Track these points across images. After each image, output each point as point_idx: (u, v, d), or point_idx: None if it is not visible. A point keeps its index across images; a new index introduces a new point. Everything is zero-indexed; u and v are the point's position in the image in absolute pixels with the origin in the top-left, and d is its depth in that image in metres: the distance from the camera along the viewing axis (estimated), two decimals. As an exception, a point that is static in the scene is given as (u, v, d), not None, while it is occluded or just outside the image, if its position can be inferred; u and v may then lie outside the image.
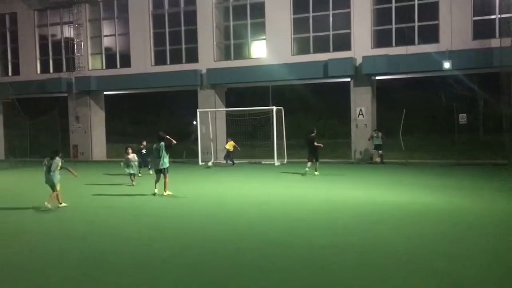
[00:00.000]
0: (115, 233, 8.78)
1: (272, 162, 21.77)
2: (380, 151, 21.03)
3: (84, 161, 26.42)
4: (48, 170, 11.23)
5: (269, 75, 23.40)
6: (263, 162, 22.58)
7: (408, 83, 25.57)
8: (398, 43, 21.90)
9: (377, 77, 22.88)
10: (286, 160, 22.54)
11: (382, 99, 23.65)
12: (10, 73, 29.80)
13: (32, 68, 28.85)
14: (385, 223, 9.08)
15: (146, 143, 18.41)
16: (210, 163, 21.53)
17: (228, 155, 21.58)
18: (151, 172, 17.16)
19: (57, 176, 11.24)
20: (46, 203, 11.07)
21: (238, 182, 16.09)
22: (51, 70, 28.60)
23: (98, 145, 28.04)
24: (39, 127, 26.30)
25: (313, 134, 17.50)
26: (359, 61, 22.01)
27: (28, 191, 14.64)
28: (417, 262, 6.51)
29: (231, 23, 25.00)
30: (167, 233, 8.68)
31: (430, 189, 13.12)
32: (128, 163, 15.14)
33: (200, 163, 22.75)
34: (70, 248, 7.71)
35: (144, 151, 18.18)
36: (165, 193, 12.72)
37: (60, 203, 11.40)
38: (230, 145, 21.47)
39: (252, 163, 22.82)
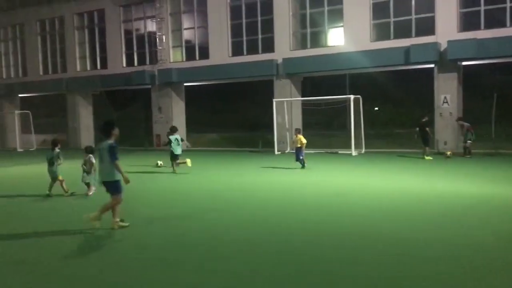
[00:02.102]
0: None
1: (349, 152, 21.33)
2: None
3: (166, 150, 27.55)
4: (50, 163, 11.81)
5: (347, 63, 22.85)
6: (340, 152, 22.19)
7: (498, 68, 23.76)
8: (487, 26, 20.43)
9: (464, 63, 21.52)
10: (364, 150, 21.98)
11: (469, 86, 22.20)
12: (99, 67, 31.74)
13: (118, 62, 30.50)
14: (472, 217, 8.53)
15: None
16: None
17: (300, 153, 16.57)
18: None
19: (57, 168, 11.81)
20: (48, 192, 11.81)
21: (319, 172, 15.91)
22: (136, 63, 30.06)
23: (179, 134, 29.03)
24: (125, 117, 27.86)
25: (424, 120, 18.60)
26: (443, 46, 20.82)
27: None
28: (506, 259, 6.05)
29: (308, 11, 24.69)
30: (244, 221, 8.80)
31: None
32: (85, 168, 11.75)
33: (276, 152, 22.86)
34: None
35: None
36: (187, 162, 15.95)
37: (66, 191, 11.78)
38: (300, 141, 16.58)
39: (329, 153, 22.51)
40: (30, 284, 5.67)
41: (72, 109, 32.46)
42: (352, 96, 21.60)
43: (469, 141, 18.84)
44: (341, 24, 23.64)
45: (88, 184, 11.71)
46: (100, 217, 8.04)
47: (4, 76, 35.71)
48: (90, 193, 11.58)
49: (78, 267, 6.26)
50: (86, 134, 32.37)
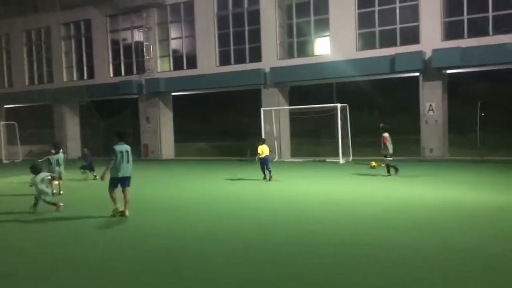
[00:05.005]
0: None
1: (337, 160, 21.44)
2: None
3: (154, 160, 27.49)
4: (58, 164, 13.90)
5: (333, 72, 23.03)
6: (328, 160, 22.29)
7: (482, 76, 24.11)
8: (471, 35, 20.79)
9: (448, 71, 21.83)
10: (351, 158, 22.11)
11: (454, 94, 22.49)
12: (85, 77, 31.56)
13: (105, 72, 30.39)
14: (458, 223, 8.63)
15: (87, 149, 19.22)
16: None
17: (266, 162, 15.80)
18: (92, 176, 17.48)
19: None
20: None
21: (303, 180, 15.96)
22: (123, 73, 29.96)
23: (167, 144, 29.01)
24: (112, 127, 27.65)
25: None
26: (428, 54, 21.12)
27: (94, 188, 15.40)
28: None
29: (294, 21, 24.90)
30: (229, 228, 8.78)
31: None
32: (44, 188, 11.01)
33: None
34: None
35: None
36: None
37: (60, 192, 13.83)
38: (263, 150, 15.92)
39: (317, 161, 22.60)
40: None
41: (59, 120, 32.20)
42: (339, 105, 21.78)
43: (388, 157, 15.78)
44: (327, 34, 23.87)
45: (51, 202, 10.97)
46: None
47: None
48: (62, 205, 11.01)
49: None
50: (73, 144, 32.08)
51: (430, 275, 5.84)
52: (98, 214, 10.44)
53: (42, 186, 10.90)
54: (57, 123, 32.24)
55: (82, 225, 9.64)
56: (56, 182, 13.83)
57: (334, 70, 22.88)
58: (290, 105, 25.58)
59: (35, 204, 11.00)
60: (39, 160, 14.37)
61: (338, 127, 21.58)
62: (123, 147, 10.18)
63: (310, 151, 23.66)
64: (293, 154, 25.40)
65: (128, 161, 10.13)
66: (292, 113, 24.77)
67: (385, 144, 15.70)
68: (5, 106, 34.95)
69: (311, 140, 23.98)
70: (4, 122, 32.76)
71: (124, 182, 10.13)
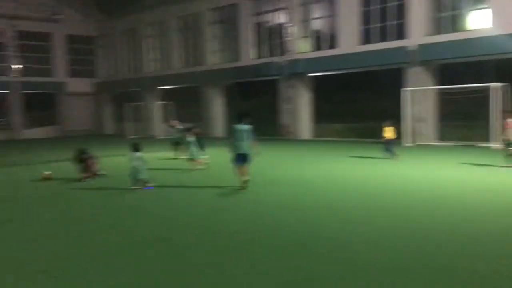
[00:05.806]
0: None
1: (490, 144, 19.44)
2: None
3: (293, 140, 27.93)
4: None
5: (492, 48, 20.64)
6: (479, 145, 20.31)
7: None
8: None
9: None
10: (509, 143, 19.80)
11: None
12: (230, 60, 33.06)
13: (248, 54, 31.48)
14: None
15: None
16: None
17: (389, 145, 16.75)
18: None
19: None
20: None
21: (447, 165, 14.80)
22: (265, 55, 30.74)
23: (305, 124, 29.20)
24: (254, 107, 28.68)
25: None
26: None
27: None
28: None
29: (446, -8, 22.90)
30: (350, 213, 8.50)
31: None
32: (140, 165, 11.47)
33: (405, 144, 21.72)
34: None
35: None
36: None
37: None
38: (390, 132, 16.87)
39: (466, 145, 20.74)
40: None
41: (205, 101, 34.33)
42: (498, 84, 19.64)
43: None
44: (486, 6, 21.49)
45: (140, 181, 11.36)
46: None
47: (151, 69, 38.91)
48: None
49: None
50: (219, 124, 33.93)
51: None
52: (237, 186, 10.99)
53: (137, 163, 11.26)
54: (203, 103, 34.41)
55: (221, 197, 10.30)
56: (197, 161, 14.90)
57: (493, 45, 20.50)
58: (436, 85, 23.75)
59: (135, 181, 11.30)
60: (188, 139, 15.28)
61: (492, 108, 19.47)
62: (242, 127, 10.86)
63: (460, 135, 21.82)
64: (439, 138, 23.64)
65: (244, 140, 10.76)
66: (439, 93, 23.01)
67: (507, 130, 13.83)
68: (158, 87, 38.13)
69: (461, 123, 22.08)
70: (161, 102, 36.09)
71: (242, 158, 10.88)
